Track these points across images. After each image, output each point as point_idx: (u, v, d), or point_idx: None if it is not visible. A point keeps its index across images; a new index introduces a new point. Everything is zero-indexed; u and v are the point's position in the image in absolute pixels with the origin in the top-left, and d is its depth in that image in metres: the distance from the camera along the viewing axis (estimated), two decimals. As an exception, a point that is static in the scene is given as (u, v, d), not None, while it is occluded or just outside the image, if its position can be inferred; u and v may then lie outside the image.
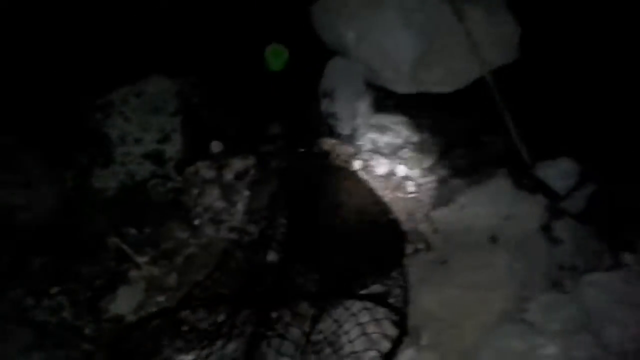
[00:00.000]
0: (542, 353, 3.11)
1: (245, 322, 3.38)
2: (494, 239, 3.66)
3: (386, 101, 4.48)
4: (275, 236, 3.76)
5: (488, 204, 3.80)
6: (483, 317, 3.30)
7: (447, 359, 3.23)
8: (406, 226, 3.91)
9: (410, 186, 4.13)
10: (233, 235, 3.91)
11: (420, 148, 4.33)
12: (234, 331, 3.35)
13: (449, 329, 3.29)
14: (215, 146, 4.30)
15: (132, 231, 3.94)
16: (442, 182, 4.11)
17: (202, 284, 3.65)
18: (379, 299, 3.40)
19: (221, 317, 3.51)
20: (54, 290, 3.65)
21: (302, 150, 4.36)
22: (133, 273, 3.76)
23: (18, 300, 3.59)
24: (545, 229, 3.71)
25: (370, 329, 3.18)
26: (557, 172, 3.94)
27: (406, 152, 4.29)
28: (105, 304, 3.62)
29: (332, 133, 4.42)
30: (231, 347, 3.22)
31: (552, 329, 3.20)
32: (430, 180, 4.14)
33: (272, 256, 3.70)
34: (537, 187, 3.95)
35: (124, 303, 3.64)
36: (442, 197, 4.00)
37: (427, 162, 4.25)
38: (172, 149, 4.20)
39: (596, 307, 3.26)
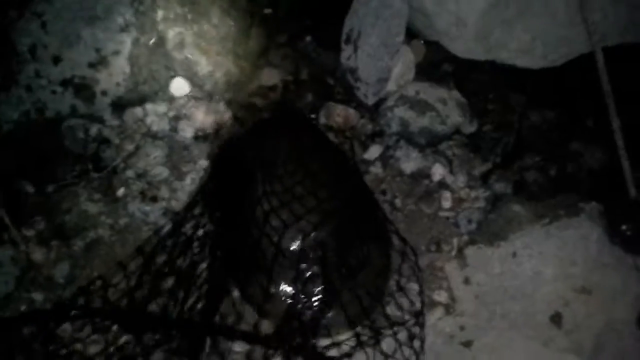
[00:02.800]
0: None
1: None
2: (556, 320, 2.27)
3: (436, 65, 3.18)
4: (219, 241, 2.46)
5: (559, 258, 2.40)
6: None
7: None
8: (424, 262, 2.54)
9: (446, 199, 2.75)
10: (164, 222, 2.64)
11: (473, 144, 3.00)
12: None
13: None
14: (178, 86, 2.98)
15: (27, 187, 2.72)
16: (495, 203, 2.71)
17: (99, 285, 2.43)
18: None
19: (114, 341, 2.34)
20: None
21: (308, 117, 3.01)
22: (5, 251, 2.54)
23: None
24: (647, 323, 2.31)
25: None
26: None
27: (451, 147, 2.93)
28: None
29: (349, 98, 3.08)
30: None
31: None
32: (478, 197, 2.75)
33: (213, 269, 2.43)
34: (645, 245, 2.52)
35: (-22, 293, 2.47)
36: (490, 229, 2.59)
37: (480, 167, 2.89)
38: (110, 79, 2.89)
39: None
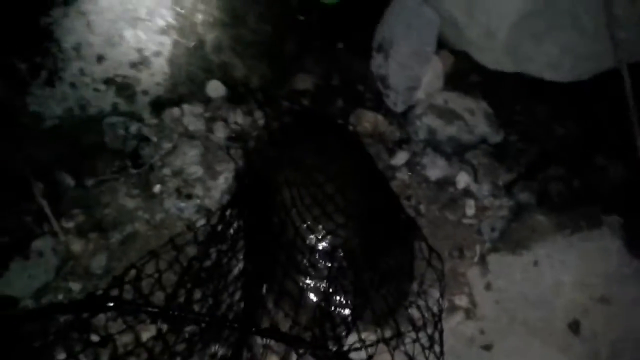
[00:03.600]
0: None
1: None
2: (574, 328, 2.34)
3: (465, 75, 3.21)
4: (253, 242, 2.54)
5: (580, 268, 2.46)
6: None
7: None
8: (447, 265, 2.61)
9: (470, 207, 2.82)
10: (199, 218, 2.72)
11: (499, 154, 3.04)
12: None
13: None
14: (214, 88, 3.08)
15: (68, 180, 2.82)
16: (518, 213, 2.77)
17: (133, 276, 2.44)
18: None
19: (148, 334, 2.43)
20: None
21: (338, 122, 3.08)
22: (46, 242, 2.65)
23: None
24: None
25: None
26: None
27: (477, 156, 3.00)
28: (-8, 277, 2.55)
29: (378, 105, 3.14)
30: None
31: None
32: (501, 206, 2.81)
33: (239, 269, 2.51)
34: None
35: (19, 281, 2.58)
36: (513, 237, 2.65)
37: (505, 177, 2.94)
38: (151, 79, 3.00)
39: None
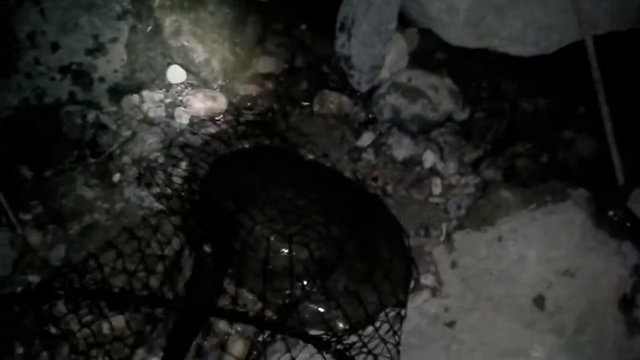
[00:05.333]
0: None
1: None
2: (539, 302, 2.30)
3: (430, 53, 3.15)
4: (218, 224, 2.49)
5: (544, 242, 2.42)
6: None
7: None
8: (414, 244, 2.57)
9: (437, 186, 2.78)
10: (159, 206, 2.67)
11: (465, 131, 3.00)
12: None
13: None
14: (174, 73, 3.04)
15: (25, 172, 2.78)
16: (484, 189, 2.72)
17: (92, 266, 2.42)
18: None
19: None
20: None
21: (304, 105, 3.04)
22: (3, 235, 2.60)
23: None
24: (627, 305, 2.32)
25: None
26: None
27: (442, 134, 2.95)
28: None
29: (343, 86, 3.10)
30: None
31: None
32: (468, 183, 2.77)
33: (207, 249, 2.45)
34: (628, 229, 2.51)
35: (-25, 276, 2.52)
36: (478, 214, 2.61)
37: (471, 154, 2.90)
38: (108, 66, 2.94)
39: None
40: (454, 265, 2.49)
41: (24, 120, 2.85)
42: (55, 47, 2.86)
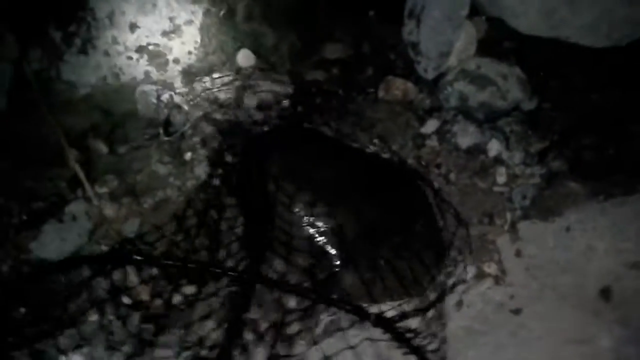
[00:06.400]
0: None
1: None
2: (605, 294, 2.29)
3: (499, 41, 3.13)
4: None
5: (612, 233, 2.41)
6: None
7: None
8: (476, 233, 2.59)
9: (501, 175, 2.77)
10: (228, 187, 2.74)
11: (532, 121, 2.97)
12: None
13: None
14: (244, 57, 3.09)
15: (101, 147, 2.88)
16: (551, 180, 2.71)
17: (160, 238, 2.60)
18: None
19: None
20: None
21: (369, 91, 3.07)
22: (80, 206, 2.72)
23: None
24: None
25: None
26: None
27: (509, 123, 2.93)
28: (25, 240, 2.61)
29: (409, 72, 3.11)
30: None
31: None
32: (533, 173, 2.76)
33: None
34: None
35: (52, 244, 2.63)
36: (545, 204, 2.61)
37: (537, 144, 2.87)
38: (182, 47, 3.04)
39: None
40: (518, 254, 2.50)
41: (101, 98, 2.96)
42: (133, 27, 2.97)
